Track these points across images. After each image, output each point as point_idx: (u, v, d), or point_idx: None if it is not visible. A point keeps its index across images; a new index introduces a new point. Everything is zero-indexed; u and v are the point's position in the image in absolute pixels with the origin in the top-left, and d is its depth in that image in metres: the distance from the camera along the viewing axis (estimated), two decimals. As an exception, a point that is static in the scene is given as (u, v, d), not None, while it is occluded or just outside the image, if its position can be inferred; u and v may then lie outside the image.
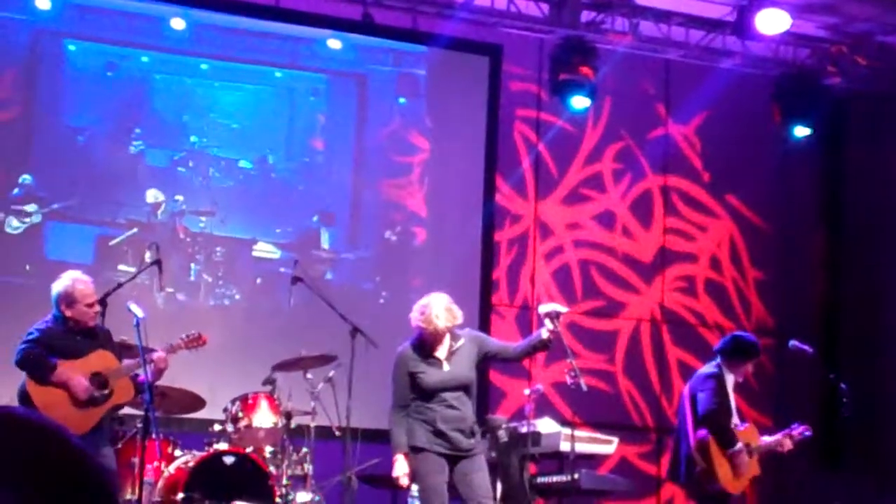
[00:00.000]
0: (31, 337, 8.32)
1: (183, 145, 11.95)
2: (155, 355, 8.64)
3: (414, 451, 8.27)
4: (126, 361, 8.60)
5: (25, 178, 11.41)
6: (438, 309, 8.25)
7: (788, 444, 9.58)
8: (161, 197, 11.73)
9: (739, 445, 9.32)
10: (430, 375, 8.27)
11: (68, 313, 8.37)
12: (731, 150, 13.61)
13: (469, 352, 8.40)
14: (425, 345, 8.33)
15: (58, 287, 8.42)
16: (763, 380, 12.98)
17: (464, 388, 8.34)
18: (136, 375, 8.56)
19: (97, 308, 8.55)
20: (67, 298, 8.37)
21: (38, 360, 8.24)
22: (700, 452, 9.43)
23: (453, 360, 8.34)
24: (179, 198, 11.83)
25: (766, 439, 9.60)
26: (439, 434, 8.22)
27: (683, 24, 12.56)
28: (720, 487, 9.35)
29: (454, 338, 8.38)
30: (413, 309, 8.38)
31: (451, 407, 8.27)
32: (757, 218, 13.84)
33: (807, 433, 9.62)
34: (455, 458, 8.27)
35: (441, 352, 8.34)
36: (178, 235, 11.77)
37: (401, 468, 8.31)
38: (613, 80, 13.05)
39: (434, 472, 8.22)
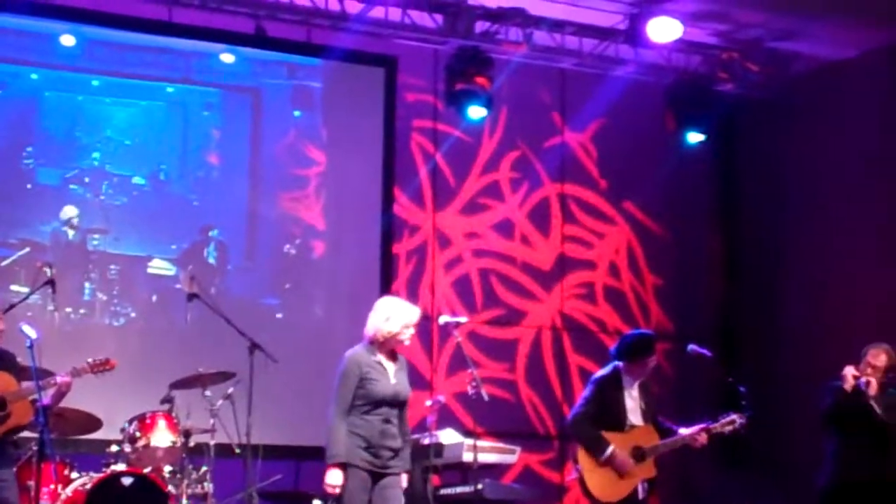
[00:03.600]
0: None
1: (75, 163, 11.81)
2: (58, 378, 8.65)
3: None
4: (25, 384, 8.51)
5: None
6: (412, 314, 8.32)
7: (703, 439, 9.55)
8: (75, 212, 11.62)
9: (609, 450, 9.26)
10: (382, 384, 8.16)
11: None
12: (627, 157, 13.71)
13: (405, 374, 8.39)
14: (379, 351, 8.26)
15: None
16: (663, 383, 13.03)
17: (403, 405, 8.29)
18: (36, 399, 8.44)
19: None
20: None
21: None
22: (574, 461, 9.52)
23: (398, 376, 8.30)
24: (73, 214, 11.70)
25: (683, 432, 9.59)
26: (371, 450, 8.12)
27: (577, 34, 12.63)
28: (595, 499, 9.33)
29: (397, 357, 8.38)
30: (377, 312, 8.32)
31: (388, 422, 8.18)
32: (654, 224, 13.95)
33: (740, 420, 9.57)
34: (378, 474, 8.15)
35: (390, 364, 8.28)
36: (84, 253, 11.64)
37: (335, 478, 8.05)
38: (509, 90, 13.11)
39: (359, 490, 8.07)
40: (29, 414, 8.50)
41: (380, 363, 8.22)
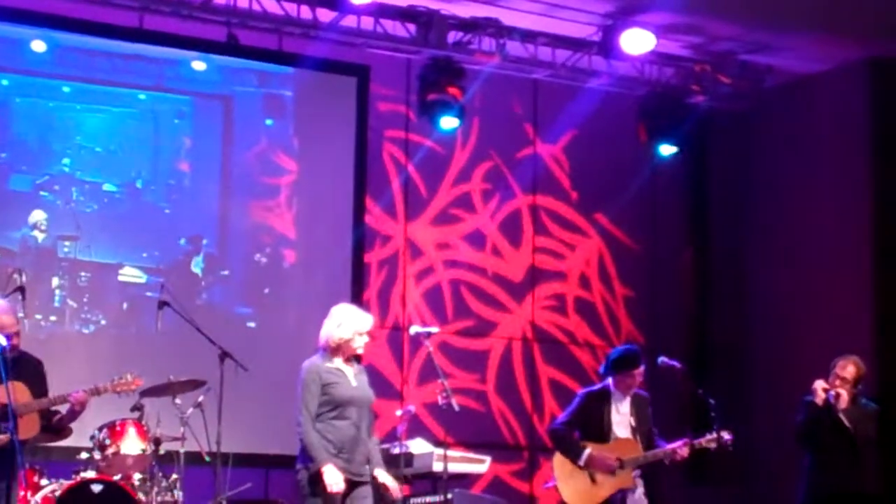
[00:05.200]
0: None
1: (46, 169, 11.74)
2: (73, 395, 8.77)
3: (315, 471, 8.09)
4: (43, 399, 8.64)
5: None
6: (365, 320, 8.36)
7: (685, 452, 9.66)
8: (43, 216, 11.56)
9: (587, 453, 9.50)
10: (343, 387, 8.19)
11: None
12: (599, 169, 13.72)
13: (365, 378, 8.43)
14: (335, 357, 8.29)
15: None
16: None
17: (368, 408, 8.32)
18: (55, 413, 8.82)
19: (15, 341, 8.55)
20: None
21: None
22: (553, 469, 9.70)
23: (358, 379, 8.33)
24: (41, 218, 11.64)
25: (671, 445, 9.68)
26: (343, 455, 8.11)
27: (550, 44, 12.64)
28: None
29: (354, 364, 8.41)
30: (330, 318, 8.33)
31: (358, 427, 8.20)
32: (625, 235, 13.96)
33: (727, 437, 9.68)
34: (351, 483, 8.15)
35: (348, 368, 8.30)
36: (54, 260, 11.58)
37: (334, 475, 8.01)
38: (481, 101, 13.12)
39: (330, 498, 8.07)
40: (34, 429, 8.64)
41: (338, 369, 8.25)
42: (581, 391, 10.03)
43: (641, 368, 9.78)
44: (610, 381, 9.78)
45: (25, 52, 11.62)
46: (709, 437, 9.68)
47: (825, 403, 9.72)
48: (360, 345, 8.32)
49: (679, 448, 9.65)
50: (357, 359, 8.47)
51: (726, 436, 9.67)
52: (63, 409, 9.12)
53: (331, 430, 8.12)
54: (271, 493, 11.11)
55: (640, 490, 9.69)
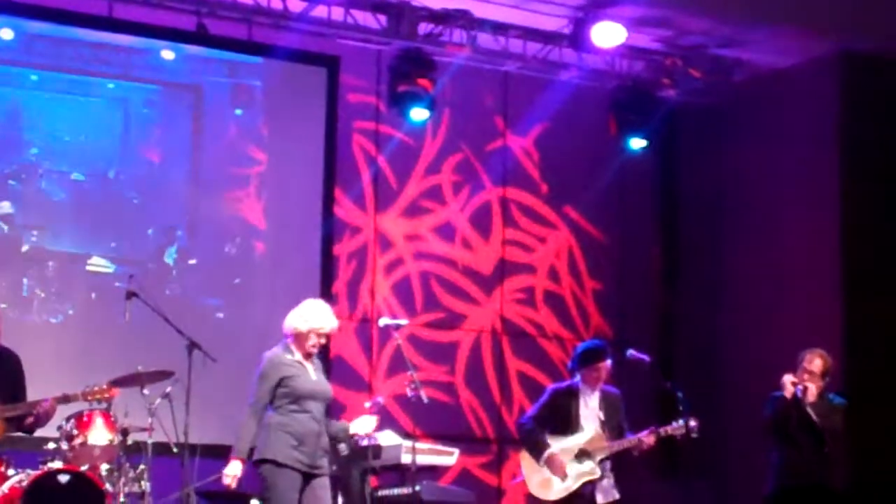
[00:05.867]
0: None
1: (13, 158, 11.68)
2: (42, 404, 8.82)
3: (271, 464, 8.19)
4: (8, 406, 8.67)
5: None
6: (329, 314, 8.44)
7: (651, 441, 9.69)
8: (10, 209, 11.50)
9: (547, 454, 9.57)
10: (303, 379, 8.29)
11: None
12: (569, 162, 13.72)
13: (322, 374, 8.54)
14: (295, 351, 8.37)
15: None
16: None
17: (327, 404, 8.42)
18: (24, 417, 8.81)
19: None
20: None
21: None
22: (521, 462, 9.84)
23: (317, 374, 8.43)
24: (8, 210, 11.57)
25: (637, 435, 9.72)
26: (303, 448, 8.19)
27: (521, 37, 12.64)
28: (536, 498, 9.69)
29: (313, 359, 8.50)
30: (297, 309, 8.43)
31: (317, 420, 8.29)
32: (594, 229, 13.96)
33: (693, 423, 9.68)
34: (308, 475, 8.25)
35: (307, 363, 8.38)
36: (21, 249, 11.52)
37: (232, 469, 8.29)
38: (452, 92, 13.09)
39: (289, 490, 8.17)
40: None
41: (298, 362, 8.35)
42: (549, 387, 10.09)
43: (608, 362, 9.81)
44: (578, 376, 9.82)
45: (-7, 39, 11.58)
46: (675, 424, 9.70)
47: (793, 397, 9.73)
48: (313, 343, 8.38)
49: (645, 437, 9.68)
50: (324, 354, 8.52)
51: (692, 423, 9.68)
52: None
53: (292, 423, 8.23)
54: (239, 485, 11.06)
55: (609, 481, 9.72)
